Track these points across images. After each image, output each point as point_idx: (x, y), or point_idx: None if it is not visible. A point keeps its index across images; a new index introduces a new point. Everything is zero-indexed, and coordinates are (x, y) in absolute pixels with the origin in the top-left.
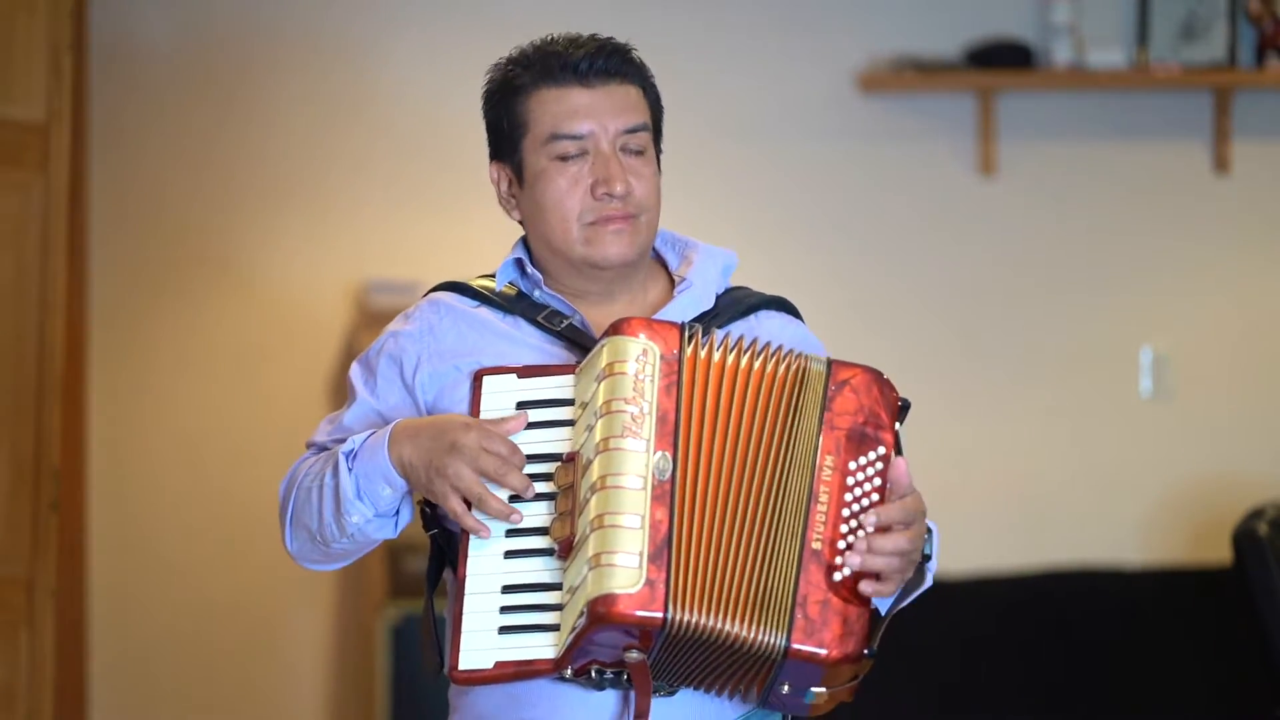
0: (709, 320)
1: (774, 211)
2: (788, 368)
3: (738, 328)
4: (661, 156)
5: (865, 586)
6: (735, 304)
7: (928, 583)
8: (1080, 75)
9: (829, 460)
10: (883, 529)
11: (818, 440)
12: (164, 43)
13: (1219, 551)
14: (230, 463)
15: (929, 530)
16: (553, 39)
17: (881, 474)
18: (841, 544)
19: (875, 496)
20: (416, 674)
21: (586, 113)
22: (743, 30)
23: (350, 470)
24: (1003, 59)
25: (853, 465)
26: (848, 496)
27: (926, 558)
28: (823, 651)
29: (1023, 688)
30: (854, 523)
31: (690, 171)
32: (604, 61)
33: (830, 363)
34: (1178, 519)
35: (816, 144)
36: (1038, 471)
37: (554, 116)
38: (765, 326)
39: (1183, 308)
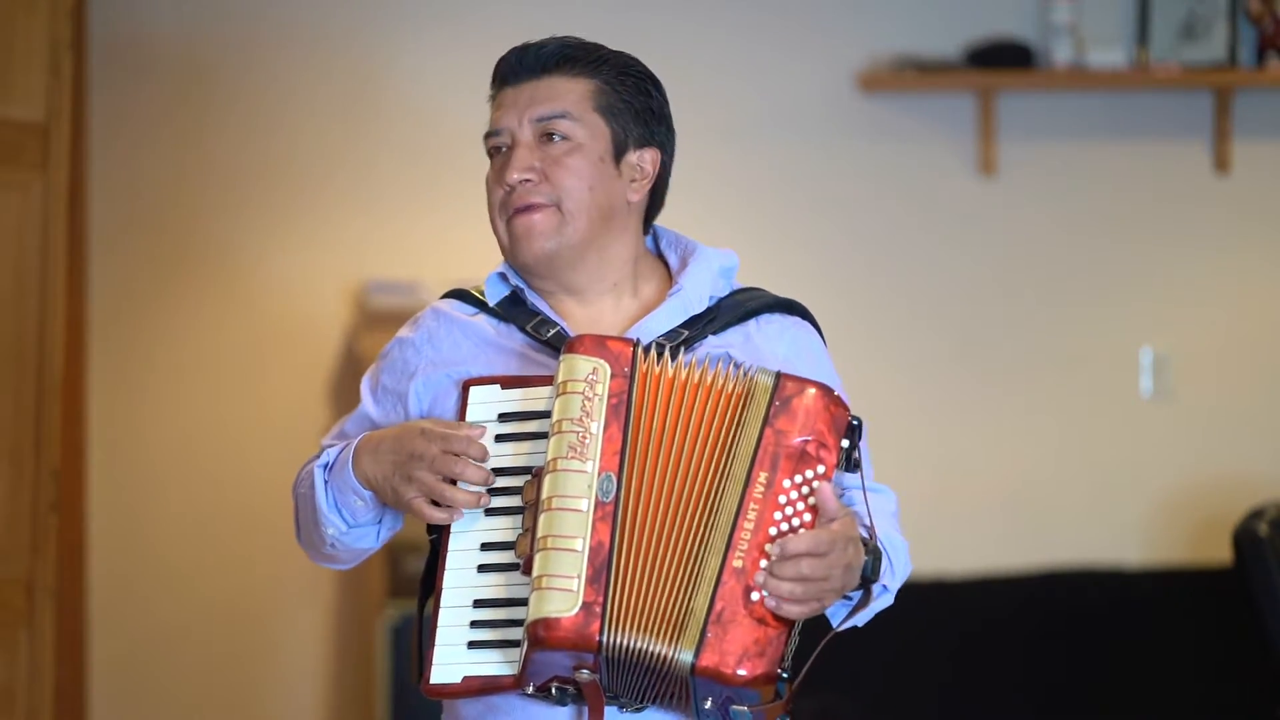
0: (704, 325)
1: (774, 211)
2: (733, 381)
3: (732, 336)
4: (653, 145)
5: (769, 603)
6: (736, 308)
7: (882, 603)
8: (1080, 75)
9: (763, 477)
10: (792, 555)
11: (754, 456)
12: (164, 42)
13: (1219, 551)
14: (230, 463)
15: (874, 552)
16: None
17: (816, 492)
18: (764, 563)
19: (807, 516)
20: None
21: (504, 108)
22: (743, 30)
23: (325, 484)
24: (1003, 59)
25: (787, 484)
26: (777, 515)
27: (868, 580)
28: (725, 670)
29: (1023, 688)
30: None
31: (690, 171)
32: (520, 60)
33: (779, 377)
34: (1178, 519)
35: (816, 144)
36: (1038, 472)
37: (490, 121)
38: (763, 332)
39: (1183, 308)
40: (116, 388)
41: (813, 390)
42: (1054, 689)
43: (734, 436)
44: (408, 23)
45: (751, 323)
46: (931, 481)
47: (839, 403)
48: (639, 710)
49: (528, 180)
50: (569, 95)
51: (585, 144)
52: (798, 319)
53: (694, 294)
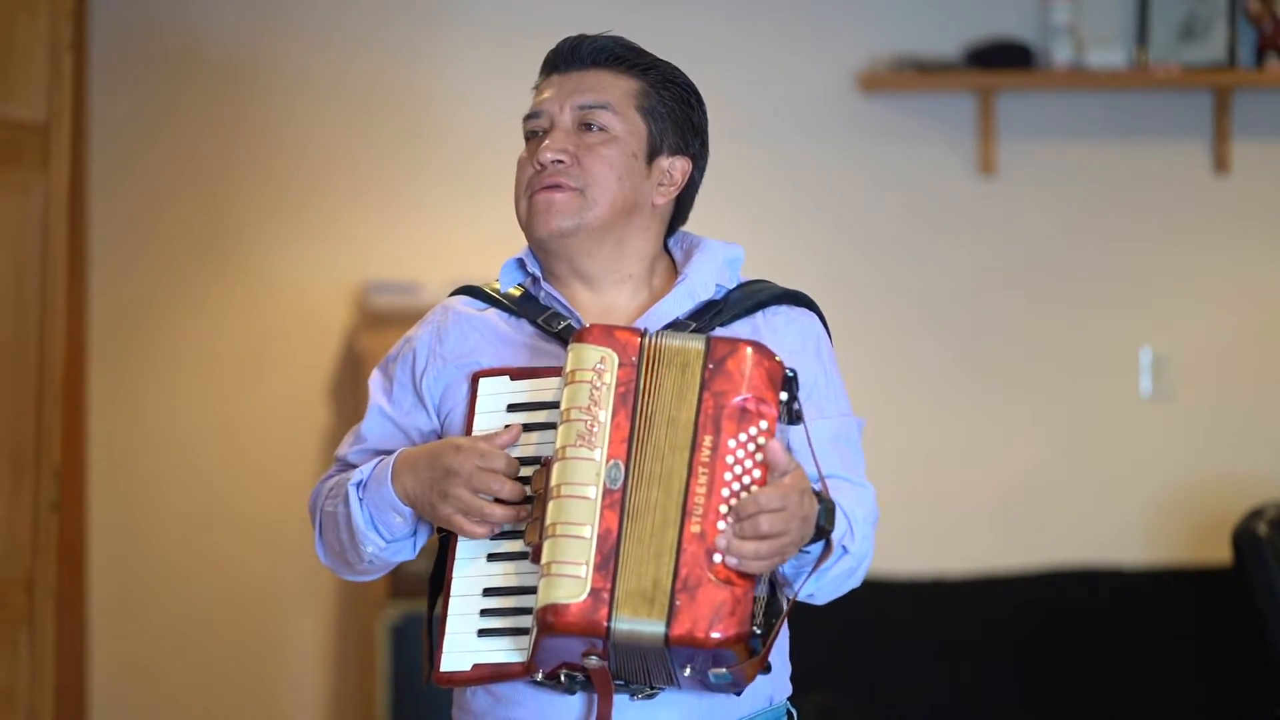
0: (712, 317)
1: (774, 211)
2: (672, 352)
3: (740, 327)
4: (686, 154)
5: (731, 562)
6: (745, 299)
7: (844, 569)
8: (1080, 75)
9: (708, 440)
10: (750, 514)
11: (696, 421)
12: (165, 42)
13: (1219, 551)
14: (230, 463)
15: (827, 503)
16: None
17: (764, 449)
18: (721, 525)
19: (757, 473)
20: (416, 674)
21: (549, 94)
22: (743, 30)
23: (361, 501)
24: (1003, 59)
25: (732, 443)
26: (727, 475)
27: (824, 531)
28: (699, 634)
29: (1022, 688)
30: (734, 501)
31: None
32: (574, 50)
33: (709, 340)
34: (1178, 519)
35: (816, 144)
36: (1038, 471)
37: (532, 104)
38: (770, 324)
39: (1183, 308)
40: (116, 388)
41: (744, 348)
42: (1053, 689)
43: (676, 405)
44: (410, 25)
45: (759, 314)
46: (931, 481)
47: (771, 357)
48: (650, 697)
49: (559, 161)
50: (614, 89)
51: (621, 137)
52: (804, 310)
53: (699, 282)
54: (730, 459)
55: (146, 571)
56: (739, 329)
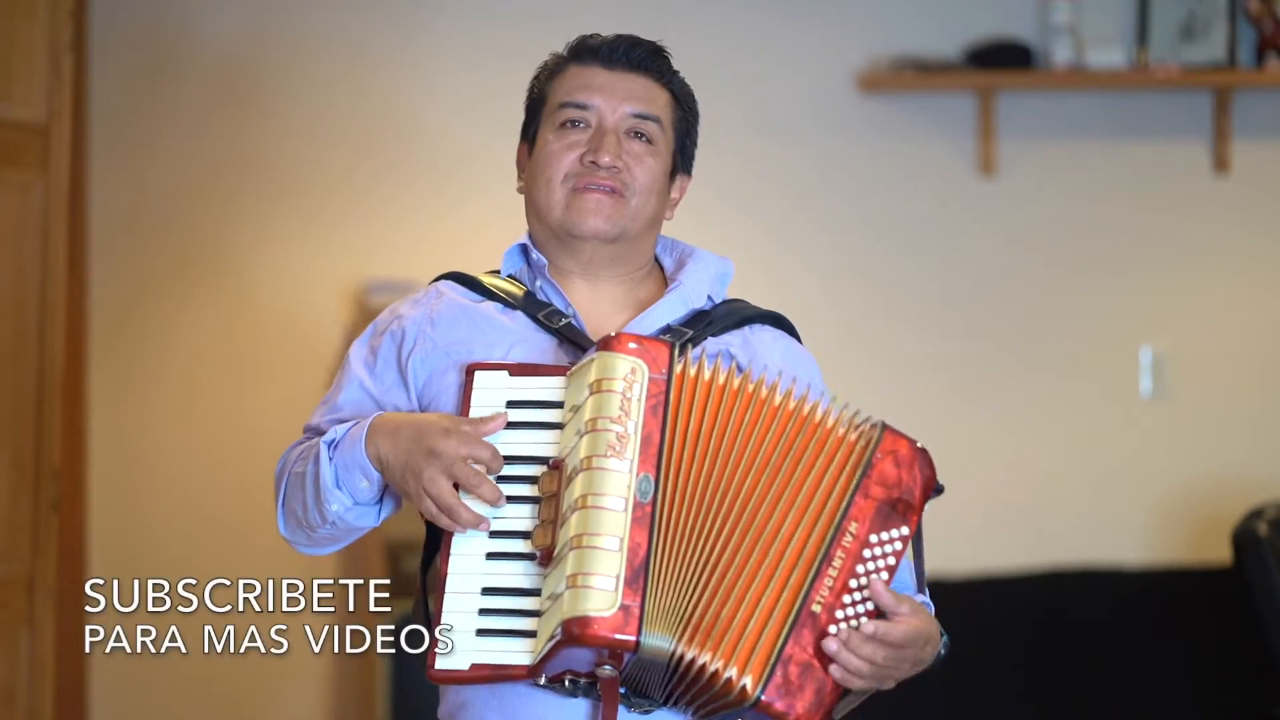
0: (703, 326)
1: (773, 211)
2: (835, 418)
3: (731, 338)
4: (687, 173)
5: (835, 670)
6: (731, 314)
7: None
8: (1080, 75)
9: (853, 526)
10: (876, 636)
11: (849, 503)
12: (164, 43)
13: (1219, 551)
14: (230, 462)
15: (945, 644)
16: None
17: (898, 554)
18: (840, 614)
19: (885, 575)
20: (416, 674)
21: (598, 88)
22: (742, 29)
23: (330, 460)
24: (1003, 59)
25: (874, 539)
26: (859, 568)
27: (929, 668)
28: (790, 714)
29: (1023, 688)
30: (858, 594)
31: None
32: (628, 51)
33: (884, 428)
34: (1178, 519)
35: (816, 143)
36: (1038, 471)
37: (568, 89)
38: (757, 338)
39: (1183, 307)
40: (116, 388)
41: (915, 448)
42: (1054, 689)
43: (823, 470)
44: (407, 25)
45: (746, 329)
46: None
47: (931, 465)
48: (647, 713)
49: (616, 167)
50: (658, 100)
51: (661, 152)
52: (783, 332)
53: (693, 290)
54: (868, 553)
55: (146, 571)
56: (730, 340)
